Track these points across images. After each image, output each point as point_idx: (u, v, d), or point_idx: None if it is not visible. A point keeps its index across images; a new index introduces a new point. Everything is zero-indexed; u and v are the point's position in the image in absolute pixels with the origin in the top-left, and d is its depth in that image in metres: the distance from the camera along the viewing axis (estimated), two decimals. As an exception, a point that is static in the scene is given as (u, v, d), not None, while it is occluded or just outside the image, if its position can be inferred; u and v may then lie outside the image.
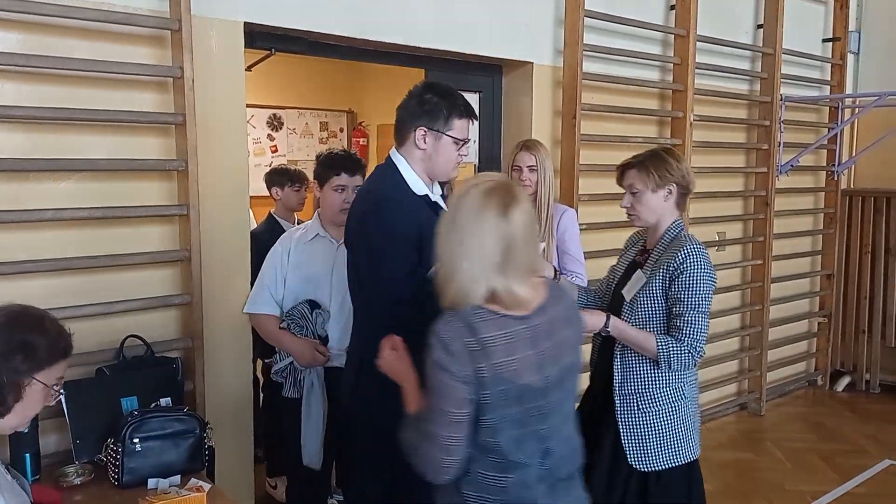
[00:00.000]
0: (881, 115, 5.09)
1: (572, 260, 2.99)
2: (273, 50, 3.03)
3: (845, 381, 5.49)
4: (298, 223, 3.74)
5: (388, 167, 2.19)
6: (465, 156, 2.24)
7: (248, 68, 3.24)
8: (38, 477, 2.16)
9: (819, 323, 5.56)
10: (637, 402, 2.24)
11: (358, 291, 2.21)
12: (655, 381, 2.23)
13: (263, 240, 3.47)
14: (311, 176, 3.87)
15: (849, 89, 5.45)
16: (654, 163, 2.27)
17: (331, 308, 2.69)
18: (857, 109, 5.34)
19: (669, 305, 2.19)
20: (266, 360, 3.43)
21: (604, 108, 3.91)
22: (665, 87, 4.25)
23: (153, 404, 2.28)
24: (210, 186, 2.67)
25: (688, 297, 2.15)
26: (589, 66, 3.78)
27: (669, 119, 4.28)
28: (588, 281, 3.00)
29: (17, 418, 1.55)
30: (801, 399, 5.33)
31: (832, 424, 4.77)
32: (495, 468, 1.57)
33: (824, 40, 5.32)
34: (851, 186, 5.66)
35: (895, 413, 4.96)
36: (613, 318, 2.21)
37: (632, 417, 2.24)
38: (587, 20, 3.72)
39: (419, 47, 3.28)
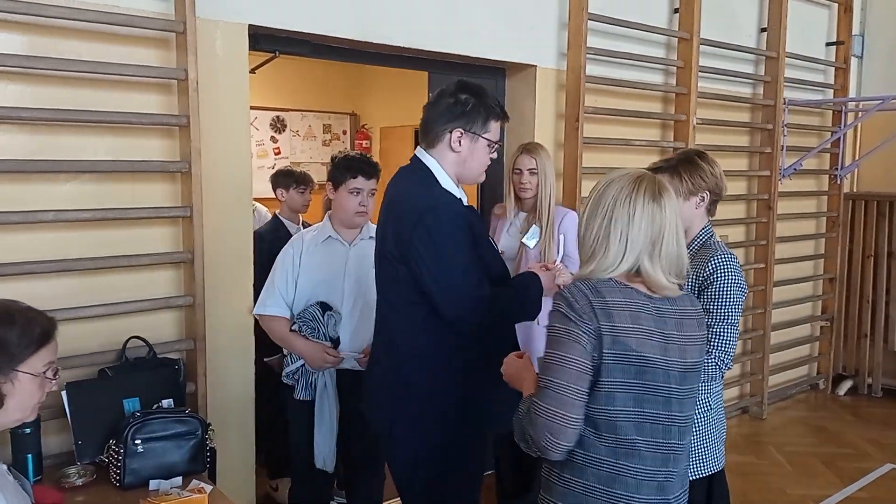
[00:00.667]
0: (884, 119, 5.09)
1: (573, 263, 2.99)
2: (277, 52, 3.04)
3: (847, 384, 5.48)
4: (303, 225, 3.74)
5: (420, 170, 2.11)
6: (494, 157, 2.18)
7: (252, 70, 3.25)
8: (39, 477, 2.16)
9: (821, 327, 5.55)
10: None
11: (402, 303, 2.11)
12: None
13: (268, 240, 3.49)
14: (316, 178, 3.90)
15: (852, 93, 5.45)
16: (688, 168, 2.17)
17: (342, 310, 2.69)
18: (860, 113, 5.33)
19: None
20: (266, 360, 3.43)
21: (607, 112, 3.91)
22: (668, 90, 4.25)
23: (155, 405, 2.28)
24: (213, 188, 2.67)
25: (717, 309, 2.07)
26: (592, 70, 3.78)
27: (672, 122, 4.28)
28: None
29: (18, 411, 1.53)
30: (802, 403, 5.33)
31: (834, 428, 4.76)
32: (609, 452, 1.51)
33: (828, 44, 5.32)
34: (854, 190, 5.65)
35: (897, 417, 4.96)
36: None
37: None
38: (591, 23, 3.72)
39: (422, 50, 3.29)
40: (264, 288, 2.74)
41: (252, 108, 2.95)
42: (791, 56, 4.84)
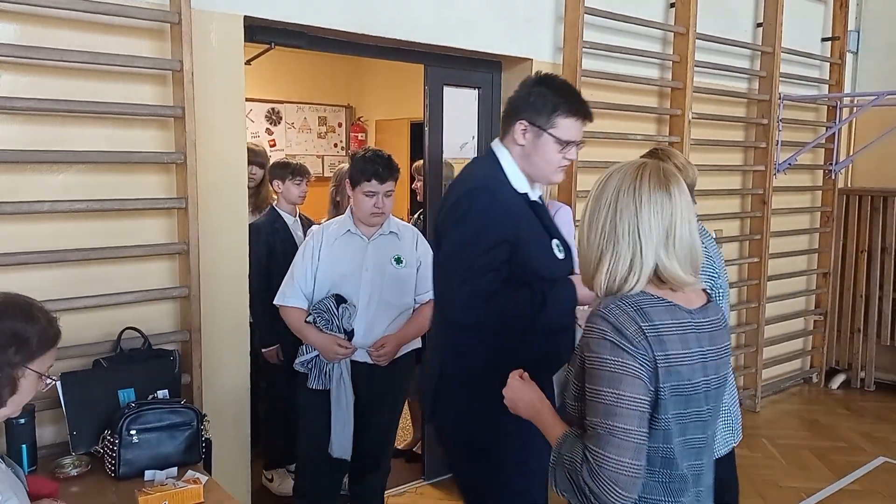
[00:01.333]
0: (879, 115, 5.10)
1: None
2: (273, 44, 3.03)
3: (840, 378, 5.51)
4: (300, 217, 3.74)
5: (489, 158, 2.05)
6: (572, 160, 2.04)
7: (248, 62, 3.24)
8: (34, 468, 2.16)
9: (815, 321, 5.58)
10: None
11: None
12: None
13: (265, 231, 3.49)
14: (311, 170, 3.90)
15: (847, 88, 5.46)
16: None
17: (358, 303, 2.71)
18: (855, 109, 5.35)
19: None
20: (263, 350, 3.43)
21: (603, 106, 3.91)
22: (664, 84, 4.25)
23: (150, 396, 2.28)
24: (208, 180, 2.67)
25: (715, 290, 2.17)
26: (588, 63, 3.78)
27: (668, 117, 4.29)
28: None
29: (11, 409, 1.55)
30: (796, 396, 5.36)
31: (827, 422, 4.79)
32: (664, 490, 1.37)
33: (823, 39, 5.33)
34: (849, 185, 5.67)
35: (889, 410, 4.99)
36: None
37: None
38: (587, 17, 3.72)
39: (418, 43, 3.28)
40: (286, 278, 2.79)
41: (247, 100, 2.95)
42: (787, 51, 4.85)
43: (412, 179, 4.38)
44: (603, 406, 1.30)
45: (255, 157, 3.76)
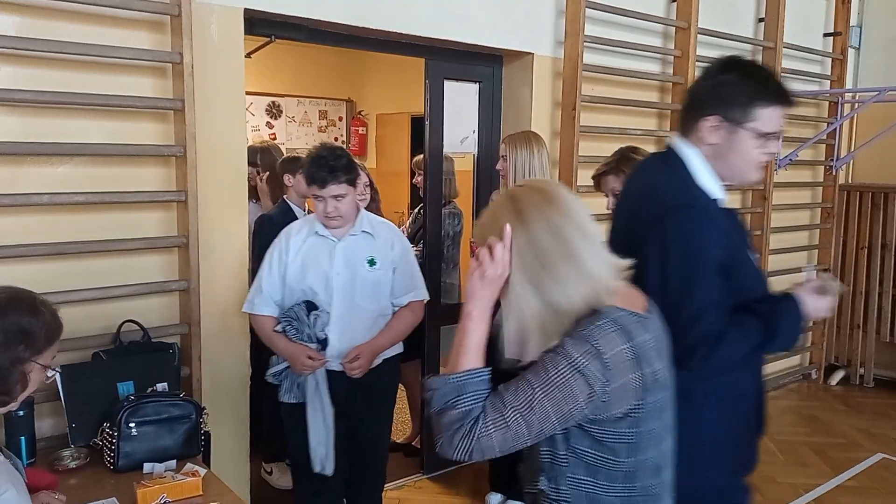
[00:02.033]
0: (880, 111, 5.08)
1: None
2: (273, 37, 3.03)
3: (839, 375, 5.52)
4: (309, 211, 3.74)
5: (673, 160, 1.77)
6: (775, 153, 1.77)
7: (248, 55, 3.23)
8: (33, 460, 2.17)
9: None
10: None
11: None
12: None
13: (276, 223, 3.46)
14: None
15: (849, 84, 5.45)
16: (628, 164, 2.32)
17: (331, 309, 2.49)
18: (856, 105, 5.34)
19: None
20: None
21: (604, 100, 3.91)
22: (665, 79, 4.24)
23: (150, 389, 2.28)
24: (208, 173, 2.66)
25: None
26: (589, 58, 3.77)
27: (669, 112, 4.28)
28: None
29: (20, 400, 1.56)
30: (794, 392, 5.36)
31: (825, 418, 4.80)
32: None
33: (825, 35, 5.32)
34: (849, 181, 5.66)
35: (888, 407, 4.99)
36: None
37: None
38: (588, 11, 3.71)
39: (419, 36, 3.27)
40: (253, 284, 2.60)
41: (248, 93, 2.94)
42: (788, 46, 4.84)
43: (412, 174, 4.37)
44: (522, 396, 1.26)
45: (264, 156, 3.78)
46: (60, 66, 2.39)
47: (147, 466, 2.10)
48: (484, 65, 3.79)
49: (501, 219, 1.32)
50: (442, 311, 3.68)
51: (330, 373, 2.50)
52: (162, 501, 1.91)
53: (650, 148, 4.27)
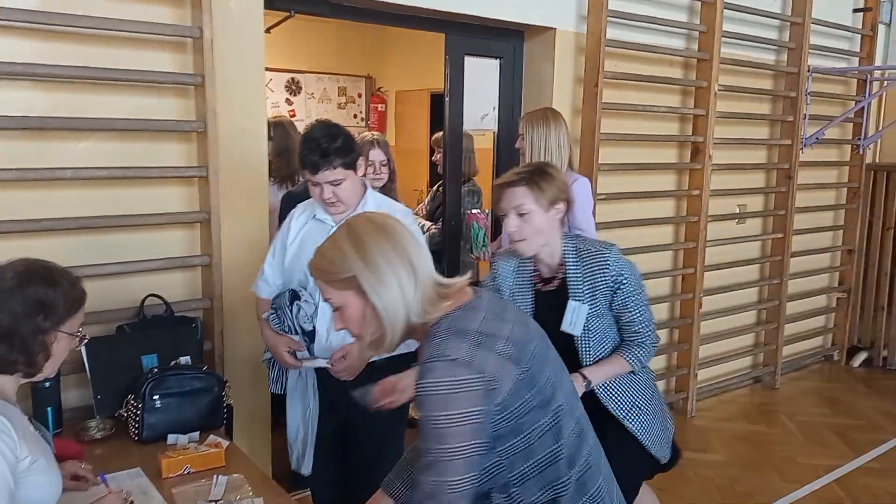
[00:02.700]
0: (911, 88, 4.98)
1: (578, 230, 2.97)
2: (292, 12, 3.00)
3: (862, 356, 5.46)
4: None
5: None
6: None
7: (268, 30, 3.21)
8: (59, 430, 2.21)
9: (838, 298, 5.51)
10: (635, 404, 2.21)
11: None
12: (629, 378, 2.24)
13: (302, 197, 3.46)
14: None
15: (878, 61, 5.32)
16: (545, 178, 2.07)
17: (319, 300, 2.23)
18: (885, 82, 5.22)
19: (615, 314, 2.17)
20: None
21: (627, 77, 3.85)
22: (690, 55, 4.17)
23: (173, 362, 2.31)
24: (229, 149, 2.67)
25: (634, 303, 2.14)
26: (613, 33, 3.71)
27: (693, 89, 4.21)
28: None
29: (50, 369, 1.58)
30: (816, 374, 5.31)
31: (847, 400, 4.75)
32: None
33: (855, 10, 5.18)
34: (877, 161, 5.56)
35: (911, 390, 4.94)
36: (588, 371, 2.13)
37: (642, 422, 2.20)
38: (612, -15, 3.64)
39: (439, 11, 3.23)
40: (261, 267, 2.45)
41: (267, 69, 2.93)
42: (817, 22, 4.72)
43: (432, 152, 4.34)
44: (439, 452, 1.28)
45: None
46: (82, 40, 2.39)
47: (171, 438, 2.13)
48: (505, 40, 3.74)
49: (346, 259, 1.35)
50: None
51: (318, 370, 2.32)
52: (185, 472, 1.95)
53: (672, 125, 4.23)
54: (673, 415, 4.33)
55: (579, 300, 2.12)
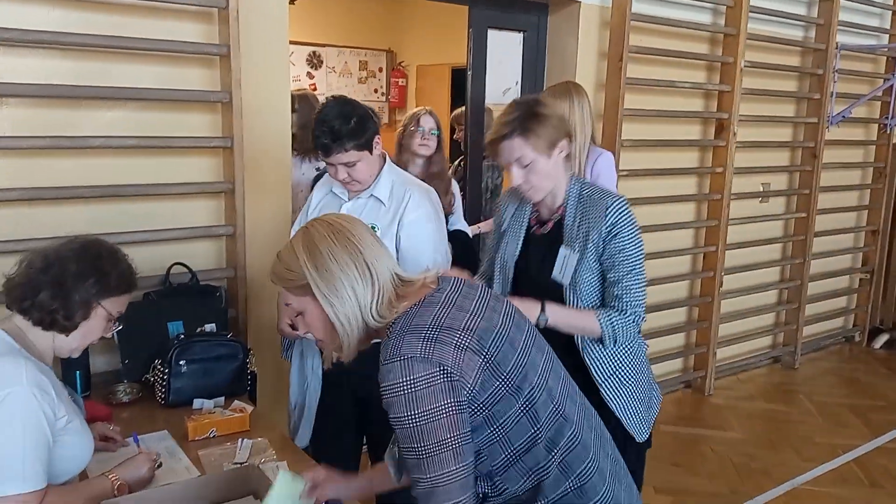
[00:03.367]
0: (942, 66, 4.87)
1: None
2: (317, -17, 2.99)
3: (883, 338, 5.42)
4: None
5: None
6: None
7: (291, 1, 3.21)
8: (87, 393, 2.26)
9: (860, 279, 5.46)
10: (616, 373, 1.99)
11: None
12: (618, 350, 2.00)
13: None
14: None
15: (909, 38, 5.22)
16: (537, 122, 1.88)
17: None
18: (916, 60, 5.12)
19: (602, 271, 1.94)
20: None
21: (652, 52, 3.80)
22: (716, 30, 4.11)
23: (198, 329, 2.35)
24: (253, 119, 2.68)
25: (623, 263, 1.90)
26: (638, 7, 3.66)
27: (719, 64, 4.16)
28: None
29: (78, 341, 1.62)
30: (836, 354, 5.29)
31: (867, 380, 4.73)
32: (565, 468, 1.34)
33: (886, -15, 5.08)
34: (904, 140, 5.47)
35: (933, 372, 4.90)
36: (551, 306, 1.90)
37: (622, 394, 1.99)
38: (638, -42, 3.59)
39: (464, -17, 3.22)
40: None
41: (289, 42, 2.93)
42: (847, -3, 4.63)
43: (452, 130, 4.32)
44: (428, 455, 1.26)
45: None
46: (109, 9, 2.40)
47: (197, 402, 2.17)
48: (529, 13, 3.71)
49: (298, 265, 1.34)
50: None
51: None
52: (211, 435, 1.99)
53: (697, 101, 4.18)
54: (691, 392, 4.40)
55: (570, 246, 1.95)
